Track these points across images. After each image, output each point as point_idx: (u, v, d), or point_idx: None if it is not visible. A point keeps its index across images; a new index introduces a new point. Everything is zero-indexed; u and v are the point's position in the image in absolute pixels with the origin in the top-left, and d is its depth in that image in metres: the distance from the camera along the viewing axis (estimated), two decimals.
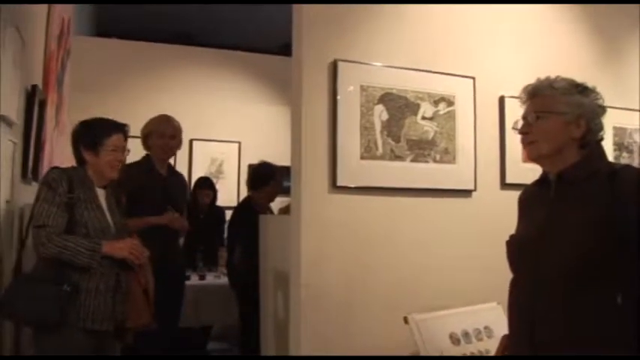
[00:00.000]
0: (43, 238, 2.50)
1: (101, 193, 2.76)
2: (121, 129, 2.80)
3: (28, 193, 3.34)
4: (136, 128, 6.02)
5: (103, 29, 7.24)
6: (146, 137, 3.98)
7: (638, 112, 3.71)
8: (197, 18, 7.07)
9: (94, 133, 2.73)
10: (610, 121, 3.53)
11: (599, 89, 3.35)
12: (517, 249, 1.90)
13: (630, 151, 3.72)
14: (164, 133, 3.96)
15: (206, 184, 5.60)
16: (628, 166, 1.83)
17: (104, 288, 2.61)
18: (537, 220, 1.86)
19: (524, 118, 1.90)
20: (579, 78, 3.39)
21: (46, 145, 3.96)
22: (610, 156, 3.56)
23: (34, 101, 3.47)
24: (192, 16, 7.02)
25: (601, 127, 1.87)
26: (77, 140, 2.76)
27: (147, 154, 3.96)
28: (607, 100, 3.50)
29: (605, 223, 1.68)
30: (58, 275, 2.51)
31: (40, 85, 3.74)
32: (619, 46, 3.77)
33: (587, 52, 3.61)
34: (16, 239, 3.07)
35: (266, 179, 4.47)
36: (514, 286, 1.91)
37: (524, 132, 1.88)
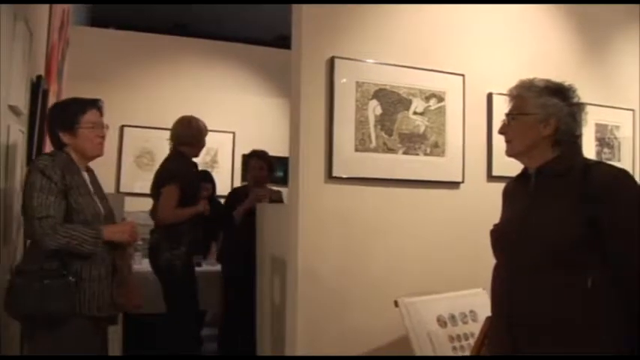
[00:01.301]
0: (48, 229, 2.37)
1: (86, 177, 2.66)
2: (95, 104, 2.66)
3: None
4: (133, 117, 6.22)
5: (99, 19, 7.28)
6: (193, 140, 4.25)
7: (619, 110, 3.87)
8: (193, 8, 7.12)
9: (67, 113, 2.60)
10: (592, 118, 3.68)
11: (583, 87, 3.52)
12: (498, 237, 2.05)
13: (611, 147, 3.87)
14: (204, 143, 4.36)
15: (206, 178, 5.41)
16: (600, 163, 2.00)
17: (105, 274, 2.53)
18: (517, 211, 2.02)
19: (504, 118, 2.06)
20: (564, 75, 3.56)
21: (47, 134, 4.06)
22: (592, 151, 3.74)
23: (38, 91, 3.56)
24: (189, 6, 7.08)
25: (573, 126, 1.99)
26: (52, 123, 2.64)
27: (180, 150, 4.21)
28: (590, 97, 3.69)
29: (577, 214, 1.82)
30: (60, 266, 2.41)
31: (43, 75, 3.84)
32: (604, 44, 3.91)
33: (574, 50, 3.75)
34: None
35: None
36: (496, 271, 2.05)
37: (502, 132, 2.05)
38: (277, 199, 4.65)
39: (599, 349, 1.78)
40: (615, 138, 3.88)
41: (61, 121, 2.60)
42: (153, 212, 4.13)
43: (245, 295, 4.17)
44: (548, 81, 2.03)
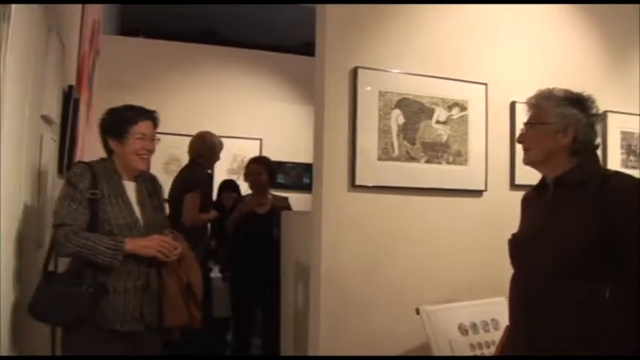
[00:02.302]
0: (60, 237, 2.35)
1: (130, 186, 2.60)
2: (150, 116, 2.62)
3: None
4: (162, 124, 6.26)
5: (128, 28, 7.42)
6: (207, 153, 4.71)
7: None
8: (221, 16, 7.21)
9: (119, 121, 2.56)
10: (617, 126, 3.70)
11: (608, 95, 3.54)
12: (516, 246, 2.07)
13: (637, 155, 3.85)
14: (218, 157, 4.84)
15: (230, 187, 5.56)
16: (618, 173, 1.99)
17: (132, 287, 2.46)
18: (535, 221, 2.04)
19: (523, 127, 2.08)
20: (588, 83, 3.57)
21: (78, 142, 4.17)
22: (617, 159, 3.72)
23: (69, 101, 3.67)
24: (217, 14, 7.17)
25: (592, 136, 2.01)
26: (103, 129, 2.61)
27: (197, 160, 4.66)
28: (615, 105, 3.72)
29: (594, 224, 1.84)
30: (80, 276, 2.40)
31: (75, 85, 3.95)
32: (628, 51, 3.89)
33: (597, 57, 3.74)
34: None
35: None
36: (513, 281, 2.08)
37: (520, 141, 2.07)
38: (282, 205, 4.58)
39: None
40: None
41: (111, 128, 2.58)
42: (172, 216, 4.26)
43: (250, 298, 4.48)
44: (567, 91, 2.05)
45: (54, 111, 3.14)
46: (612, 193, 1.85)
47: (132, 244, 2.43)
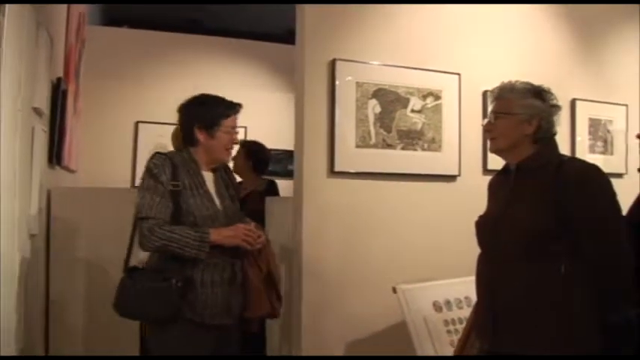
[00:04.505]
0: (145, 231, 2.30)
1: (209, 177, 2.55)
2: (238, 109, 2.60)
3: (52, 177, 3.68)
4: (147, 114, 6.40)
5: (113, 18, 7.44)
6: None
7: (612, 105, 4.02)
8: (206, 5, 7.25)
9: (211, 113, 2.51)
10: (586, 113, 3.86)
11: (577, 83, 3.70)
12: (481, 228, 2.23)
13: (604, 141, 4.02)
14: None
15: None
16: (573, 159, 2.17)
17: (219, 280, 2.41)
18: (498, 204, 2.19)
19: (489, 117, 2.22)
20: (559, 73, 3.76)
21: (66, 132, 4.27)
22: (585, 145, 3.89)
23: (58, 92, 3.77)
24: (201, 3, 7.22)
25: (553, 125, 2.15)
26: (191, 119, 2.53)
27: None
28: (584, 93, 3.89)
29: (551, 206, 1.99)
30: (167, 269, 2.34)
31: (62, 77, 4.05)
32: (598, 43, 4.06)
33: (568, 48, 3.90)
34: (45, 221, 3.39)
35: None
36: (479, 260, 2.23)
37: (487, 129, 2.21)
38: (261, 189, 4.43)
39: (573, 331, 1.95)
40: (608, 132, 4.03)
41: (201, 119, 2.51)
42: None
43: None
44: (528, 83, 2.18)
45: (44, 103, 3.25)
46: (568, 177, 2.00)
47: (216, 235, 2.37)
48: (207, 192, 2.48)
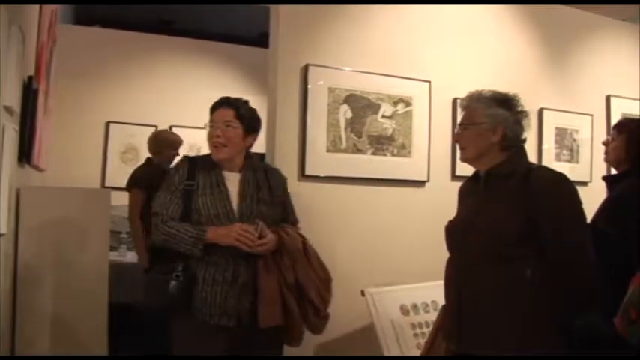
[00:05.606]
0: (152, 226, 2.43)
1: (233, 177, 2.52)
2: (224, 102, 2.59)
3: (22, 177, 3.64)
4: (118, 114, 6.36)
5: (84, 17, 7.37)
6: (159, 150, 4.61)
7: (578, 114, 4.12)
8: (178, 6, 7.22)
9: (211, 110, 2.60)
10: (552, 122, 3.95)
11: (544, 93, 3.77)
12: (451, 233, 2.28)
13: (570, 149, 4.11)
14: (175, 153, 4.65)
15: None
16: (540, 167, 2.24)
17: (220, 279, 2.38)
18: (468, 210, 2.24)
19: (457, 127, 2.28)
20: (527, 82, 3.84)
21: (37, 131, 4.23)
22: (552, 153, 3.98)
23: (29, 91, 3.73)
24: (174, 4, 7.19)
25: (519, 132, 2.19)
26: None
27: (149, 158, 4.64)
28: (551, 103, 3.98)
29: (519, 213, 2.04)
30: (166, 265, 2.38)
31: (34, 75, 4.01)
32: (565, 54, 4.17)
33: (536, 59, 4.00)
34: (14, 221, 3.36)
35: None
36: (448, 264, 2.28)
37: (456, 140, 2.27)
38: None
39: (540, 333, 2.00)
40: (574, 141, 4.13)
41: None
42: None
43: None
44: (494, 92, 2.22)
45: (15, 101, 3.22)
46: (535, 184, 2.05)
47: (212, 233, 2.37)
48: (223, 191, 2.47)
